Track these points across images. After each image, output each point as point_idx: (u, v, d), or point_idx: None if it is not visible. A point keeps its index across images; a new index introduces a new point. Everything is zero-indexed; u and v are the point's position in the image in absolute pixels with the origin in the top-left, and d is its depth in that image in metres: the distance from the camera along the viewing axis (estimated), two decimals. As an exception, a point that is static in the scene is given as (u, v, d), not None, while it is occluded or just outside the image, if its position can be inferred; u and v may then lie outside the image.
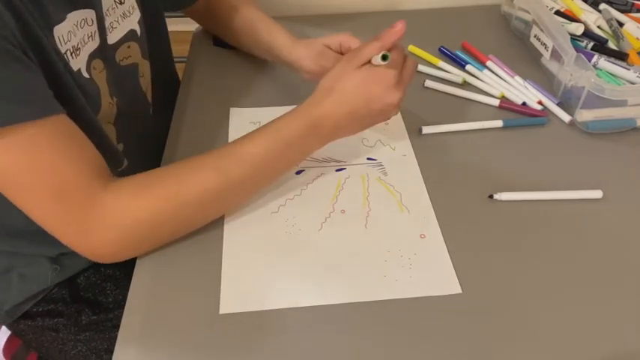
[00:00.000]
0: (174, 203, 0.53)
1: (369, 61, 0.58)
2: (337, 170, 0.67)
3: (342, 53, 0.70)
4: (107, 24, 0.61)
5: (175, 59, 0.86)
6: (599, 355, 0.49)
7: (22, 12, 0.46)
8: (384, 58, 0.55)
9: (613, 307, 0.53)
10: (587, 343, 0.50)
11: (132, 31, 0.66)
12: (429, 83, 0.80)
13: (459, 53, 0.85)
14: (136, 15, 0.66)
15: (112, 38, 0.62)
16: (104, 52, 0.61)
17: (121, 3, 0.63)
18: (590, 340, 0.50)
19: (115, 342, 0.50)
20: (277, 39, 0.74)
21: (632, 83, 0.72)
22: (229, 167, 0.55)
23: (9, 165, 0.47)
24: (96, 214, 0.50)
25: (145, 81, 0.72)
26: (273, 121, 0.58)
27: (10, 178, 0.48)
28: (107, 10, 0.60)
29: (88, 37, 0.57)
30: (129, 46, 0.66)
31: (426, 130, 0.72)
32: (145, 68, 0.71)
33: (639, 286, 0.54)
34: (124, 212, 0.52)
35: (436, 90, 0.79)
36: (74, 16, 0.54)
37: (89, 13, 0.56)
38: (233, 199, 0.59)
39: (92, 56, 0.58)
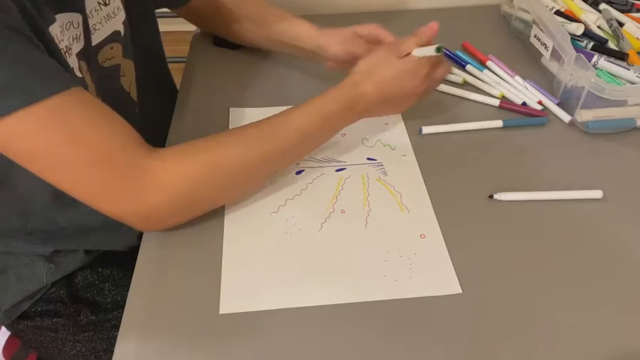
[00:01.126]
0: (218, 170, 0.55)
1: (408, 54, 0.63)
2: (337, 170, 0.67)
3: (370, 42, 0.72)
4: (90, 25, 0.60)
5: (175, 59, 0.86)
6: (599, 355, 0.49)
7: (25, 6, 0.47)
8: (439, 50, 0.61)
9: (613, 307, 0.52)
10: (587, 343, 0.50)
11: (116, 32, 0.65)
12: (429, 83, 0.80)
13: (459, 53, 0.85)
14: (121, 16, 0.66)
15: (95, 39, 0.62)
16: (87, 54, 0.61)
17: (105, 4, 0.63)
18: (590, 339, 0.50)
19: (114, 342, 0.50)
20: (301, 28, 0.76)
21: (632, 83, 0.72)
22: (270, 141, 0.58)
23: (47, 142, 0.47)
24: (145, 178, 0.52)
25: (127, 80, 0.71)
26: (313, 99, 0.61)
27: (51, 155, 0.48)
28: (90, 11, 0.60)
29: (74, 39, 0.57)
30: (112, 47, 0.66)
31: (426, 130, 0.72)
32: (127, 67, 0.70)
33: (639, 286, 0.54)
34: (173, 176, 0.53)
35: (436, 90, 0.79)
36: (62, 18, 0.54)
37: (75, 17, 0.57)
38: (271, 169, 0.62)
39: (78, 57, 0.58)
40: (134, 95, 0.73)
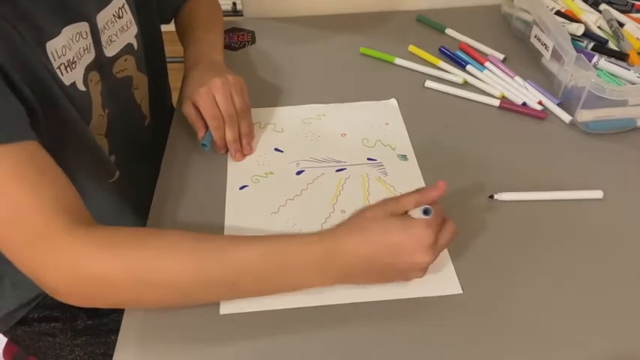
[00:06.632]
0: (134, 275, 0.47)
1: (406, 212, 0.51)
2: (337, 170, 0.66)
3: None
4: (106, 37, 0.62)
5: (175, 59, 0.86)
6: (599, 354, 0.49)
7: (7, 31, 0.46)
8: (426, 212, 0.48)
9: (613, 307, 0.52)
10: (587, 343, 0.50)
11: (129, 45, 0.67)
12: (429, 83, 0.80)
13: (459, 53, 0.85)
14: (134, 29, 0.68)
15: (111, 51, 0.63)
16: (101, 65, 0.62)
17: (119, 17, 0.64)
18: (590, 340, 0.50)
19: (111, 346, 0.50)
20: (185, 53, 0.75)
21: (633, 83, 0.72)
22: (209, 264, 0.48)
23: None
24: (49, 251, 0.46)
25: (140, 93, 0.72)
26: (280, 236, 0.51)
27: None
28: (106, 23, 0.61)
29: (84, 50, 0.58)
30: (126, 59, 0.67)
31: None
32: (140, 81, 0.71)
33: (639, 286, 0.54)
34: (81, 261, 0.46)
35: (436, 90, 0.79)
36: (69, 31, 0.55)
37: (83, 26, 0.57)
38: (202, 296, 0.51)
39: (89, 68, 0.59)
40: (145, 109, 0.74)
